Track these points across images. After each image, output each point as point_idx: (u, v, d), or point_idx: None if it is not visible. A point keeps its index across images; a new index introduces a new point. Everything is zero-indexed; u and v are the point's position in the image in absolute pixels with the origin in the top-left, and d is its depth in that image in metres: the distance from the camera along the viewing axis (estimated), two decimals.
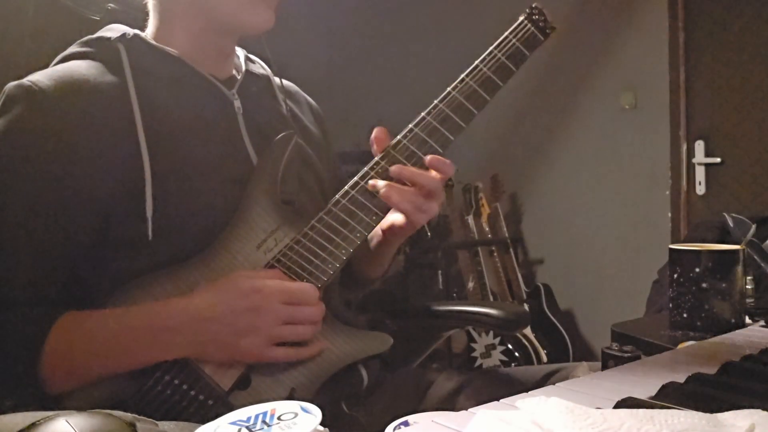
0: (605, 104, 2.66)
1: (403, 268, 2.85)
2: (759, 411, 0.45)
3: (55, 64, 0.86)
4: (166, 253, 0.79)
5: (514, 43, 0.91)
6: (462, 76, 0.90)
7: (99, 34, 0.87)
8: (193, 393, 0.75)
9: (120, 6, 1.03)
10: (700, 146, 2.45)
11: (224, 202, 0.83)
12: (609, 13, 2.63)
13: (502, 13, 0.95)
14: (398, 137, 0.88)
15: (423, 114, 0.89)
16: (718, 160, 2.41)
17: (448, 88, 0.89)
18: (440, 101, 0.89)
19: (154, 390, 0.74)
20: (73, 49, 0.87)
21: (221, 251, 0.81)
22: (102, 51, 0.85)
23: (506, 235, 2.82)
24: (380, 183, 0.84)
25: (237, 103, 0.90)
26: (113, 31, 0.87)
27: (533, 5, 0.93)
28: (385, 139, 0.88)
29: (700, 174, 2.46)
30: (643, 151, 2.57)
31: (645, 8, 2.53)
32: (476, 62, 0.90)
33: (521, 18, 0.92)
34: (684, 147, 2.48)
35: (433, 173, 0.86)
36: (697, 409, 0.46)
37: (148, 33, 0.91)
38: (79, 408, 0.73)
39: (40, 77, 0.80)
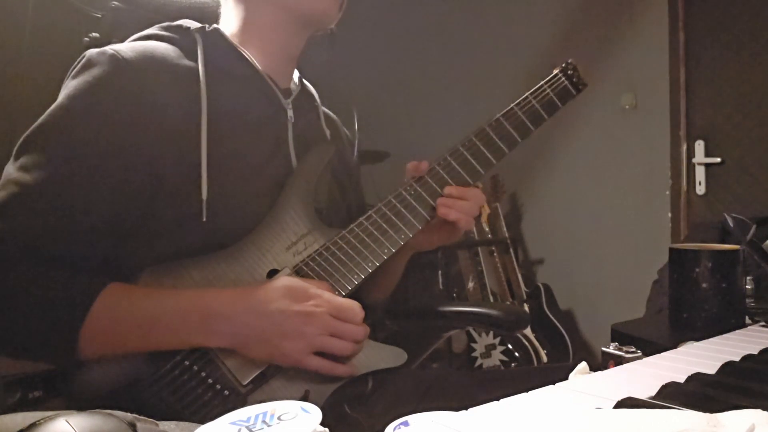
0: (605, 104, 2.66)
1: (404, 268, 2.85)
2: (759, 411, 0.45)
3: (133, 41, 0.89)
4: (208, 239, 0.82)
5: (547, 94, 0.97)
6: (497, 116, 0.96)
7: (178, 22, 0.91)
8: (210, 381, 0.76)
9: (125, 4, 1.04)
10: (700, 146, 2.45)
11: (264, 200, 0.86)
12: (609, 13, 2.63)
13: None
14: (433, 165, 0.94)
15: (458, 146, 0.94)
16: (718, 160, 2.41)
17: (484, 125, 0.95)
18: (474, 136, 0.94)
19: (172, 373, 0.76)
20: (153, 30, 0.90)
21: (252, 248, 0.84)
22: (181, 38, 0.89)
23: (506, 235, 2.82)
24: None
25: (290, 113, 0.95)
26: (191, 22, 0.91)
27: (568, 60, 1.00)
28: (425, 171, 0.93)
29: (700, 174, 2.46)
30: (643, 151, 2.57)
31: (645, 8, 2.53)
32: (511, 105, 0.96)
33: (556, 71, 0.99)
34: (684, 147, 2.48)
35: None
36: (697, 409, 0.46)
37: (225, 27, 0.95)
38: (94, 384, 0.74)
39: (122, 47, 0.83)
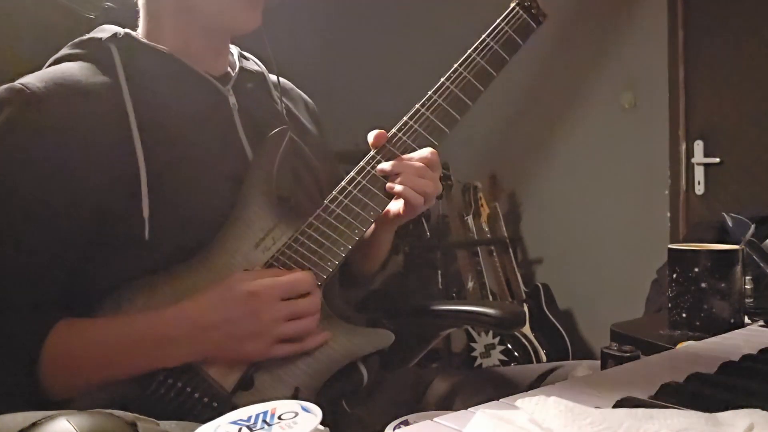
0: (604, 104, 2.66)
1: (403, 268, 2.85)
2: (758, 411, 0.45)
3: (47, 67, 0.85)
4: (164, 254, 0.79)
5: (506, 31, 0.90)
6: (455, 65, 0.89)
7: (90, 35, 0.87)
8: (197, 395, 0.74)
9: (117, 4, 1.03)
10: (699, 146, 2.45)
11: (221, 200, 0.83)
12: (608, 12, 2.63)
13: (497, 3, 0.94)
14: (393, 130, 0.88)
15: (417, 106, 0.88)
16: (717, 160, 2.41)
17: (442, 79, 0.88)
18: (434, 92, 0.88)
19: (158, 393, 0.74)
20: (65, 51, 0.86)
21: (219, 251, 0.81)
22: (94, 52, 0.85)
23: (505, 234, 2.82)
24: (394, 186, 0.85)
25: (232, 100, 0.90)
26: (104, 31, 0.86)
27: None
28: (384, 141, 0.88)
29: (699, 174, 2.46)
30: (642, 150, 2.57)
31: (644, 7, 2.53)
32: (468, 51, 0.89)
33: (512, 5, 0.91)
34: (683, 147, 2.48)
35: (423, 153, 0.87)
36: (696, 408, 0.47)
37: (140, 31, 0.90)
38: (80, 410, 0.74)
39: (31, 79, 0.79)
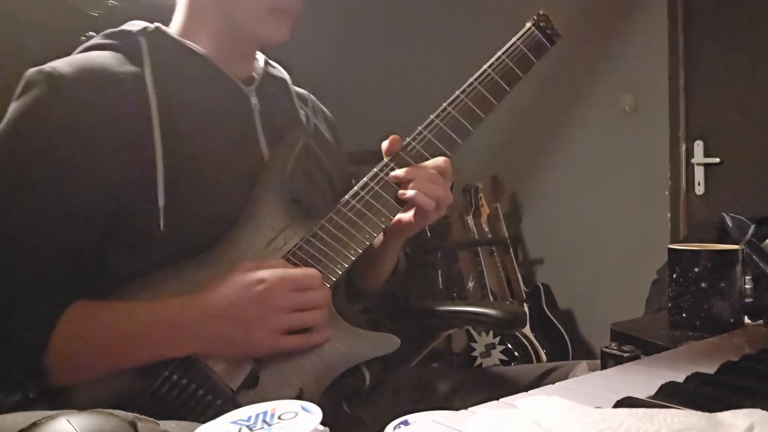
0: (605, 105, 2.66)
1: (404, 268, 2.85)
2: (758, 410, 0.45)
3: (76, 53, 0.87)
4: (176, 247, 0.80)
5: (521, 49, 0.93)
6: (470, 80, 0.91)
7: (121, 27, 0.89)
8: (201, 393, 0.74)
9: (121, 3, 1.03)
10: (699, 146, 2.45)
11: (236, 198, 0.84)
12: (609, 15, 2.63)
13: (508, 15, 0.96)
14: (408, 139, 0.90)
15: (432, 117, 0.90)
16: (717, 160, 2.41)
17: (457, 92, 0.91)
18: (449, 104, 0.90)
19: (162, 390, 0.74)
20: (95, 40, 0.88)
21: (230, 249, 0.82)
22: (123, 43, 0.87)
23: (506, 235, 2.82)
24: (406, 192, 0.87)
25: (254, 101, 0.92)
26: (135, 25, 0.89)
27: (540, 12, 0.95)
28: (398, 147, 0.90)
29: (699, 174, 2.46)
30: (643, 151, 2.57)
31: (645, 10, 2.53)
32: (484, 67, 0.92)
33: (528, 25, 0.94)
34: (683, 147, 2.48)
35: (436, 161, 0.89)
36: (696, 408, 0.47)
37: (173, 27, 0.92)
38: (84, 406, 0.74)
39: (60, 64, 0.81)
